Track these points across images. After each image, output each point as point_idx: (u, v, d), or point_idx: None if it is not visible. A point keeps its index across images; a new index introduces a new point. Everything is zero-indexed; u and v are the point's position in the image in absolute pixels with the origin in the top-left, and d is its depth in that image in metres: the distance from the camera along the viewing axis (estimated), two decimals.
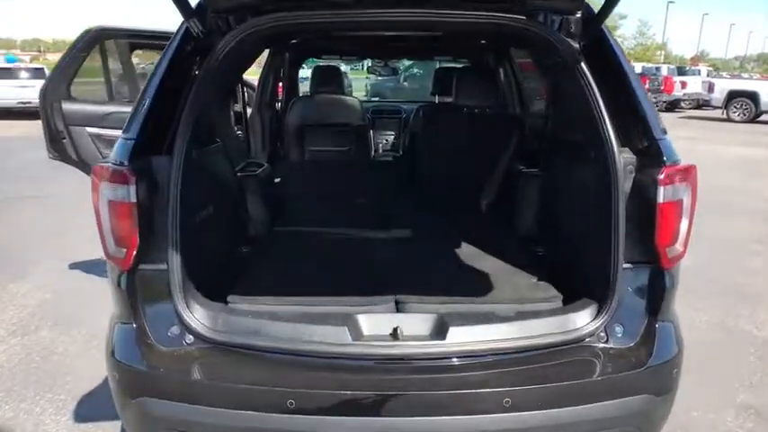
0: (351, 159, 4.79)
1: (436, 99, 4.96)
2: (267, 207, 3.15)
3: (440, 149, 3.62)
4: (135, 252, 2.01)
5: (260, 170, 3.21)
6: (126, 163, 1.98)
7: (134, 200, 1.97)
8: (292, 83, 5.46)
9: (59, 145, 4.29)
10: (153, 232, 2.05)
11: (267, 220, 3.15)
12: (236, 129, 4.76)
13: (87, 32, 4.03)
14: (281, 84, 5.11)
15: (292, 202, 3.67)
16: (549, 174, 2.97)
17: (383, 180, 4.08)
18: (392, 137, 5.87)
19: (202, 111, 2.25)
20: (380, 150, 5.66)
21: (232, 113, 4.87)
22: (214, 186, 2.56)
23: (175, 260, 2.04)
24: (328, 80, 4.66)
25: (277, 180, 3.97)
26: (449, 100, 5.16)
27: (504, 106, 4.64)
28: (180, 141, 2.07)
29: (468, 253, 2.84)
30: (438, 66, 5.38)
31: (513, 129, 3.52)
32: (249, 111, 4.70)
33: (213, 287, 2.27)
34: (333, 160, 4.61)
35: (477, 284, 2.43)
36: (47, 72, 9.09)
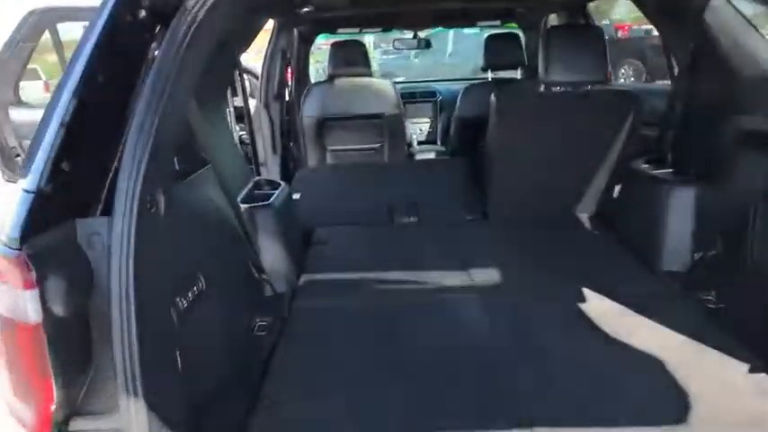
0: (385, 160, 3.77)
1: (489, 75, 3.90)
2: (289, 249, 2.16)
3: (519, 143, 2.60)
4: (52, 408, 1.04)
5: (274, 195, 2.21)
6: (18, 241, 1.00)
7: (38, 317, 0.99)
8: (304, 65, 4.42)
9: (14, 163, 3.33)
10: (88, 365, 1.09)
11: (290, 268, 2.17)
12: (238, 129, 3.78)
13: (30, 15, 3.01)
14: (289, 68, 4.08)
15: (321, 230, 2.68)
16: (724, 183, 1.95)
17: (436, 187, 3.08)
18: (426, 125, 4.82)
19: (172, 118, 1.26)
20: (415, 143, 4.62)
21: (230, 110, 3.88)
22: (202, 243, 1.57)
23: (135, 408, 1.08)
24: (351, 59, 3.63)
25: (296, 197, 2.97)
26: (506, 75, 4.14)
27: None
28: (128, 185, 1.09)
29: (606, 311, 1.87)
30: (486, 33, 4.29)
31: (627, 113, 2.49)
32: (253, 105, 3.70)
33: (216, 416, 1.32)
34: (363, 163, 3.60)
35: (657, 381, 1.47)
36: (40, 73, 7.95)
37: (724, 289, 1.92)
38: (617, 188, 2.67)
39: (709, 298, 1.97)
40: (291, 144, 3.88)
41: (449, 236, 2.59)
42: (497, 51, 3.73)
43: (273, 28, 3.54)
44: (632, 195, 2.44)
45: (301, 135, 3.78)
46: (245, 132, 3.41)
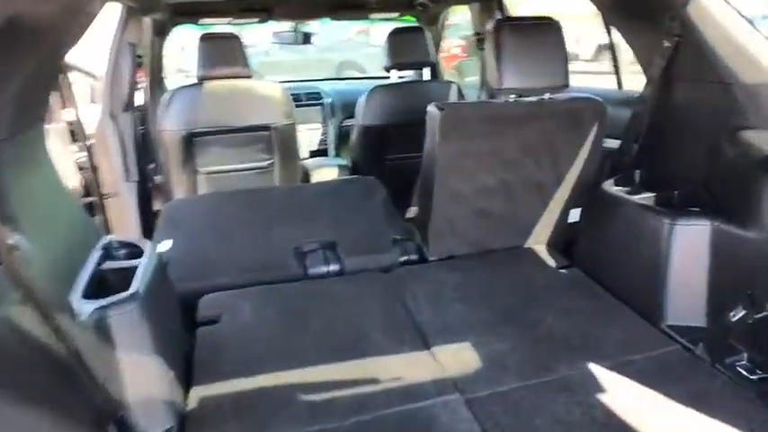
0: (276, 182, 3.03)
1: (393, 75, 3.30)
2: (168, 358, 1.38)
3: (467, 165, 2.06)
4: None
5: (137, 274, 1.42)
6: None
7: None
8: (158, 65, 3.51)
9: None
10: None
11: (172, 390, 1.39)
12: (76, 149, 2.83)
13: None
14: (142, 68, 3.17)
15: (208, 300, 1.91)
16: (742, 214, 1.53)
17: (353, 218, 2.42)
18: (317, 132, 4.12)
19: None
20: (306, 155, 3.90)
21: (63, 126, 2.91)
22: None
23: None
24: (226, 56, 2.83)
25: (164, 247, 2.17)
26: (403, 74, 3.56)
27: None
28: None
29: (627, 392, 1.44)
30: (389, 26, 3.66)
31: (592, 123, 2.04)
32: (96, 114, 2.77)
33: None
34: (250, 189, 2.83)
35: None
36: None
37: (762, 350, 1.51)
38: (576, 212, 2.23)
39: (742, 362, 1.56)
40: (151, 167, 3.00)
41: (387, 292, 1.96)
42: (403, 49, 3.15)
43: (122, 15, 2.64)
44: (610, 226, 1.99)
45: (164, 155, 2.91)
46: (85, 155, 2.51)
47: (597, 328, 1.73)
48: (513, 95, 1.97)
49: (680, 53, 1.80)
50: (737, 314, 1.51)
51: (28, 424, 0.88)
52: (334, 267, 2.15)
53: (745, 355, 1.55)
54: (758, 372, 1.50)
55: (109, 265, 1.48)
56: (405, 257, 2.21)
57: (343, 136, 4.02)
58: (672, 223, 1.68)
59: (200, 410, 1.40)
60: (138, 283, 1.36)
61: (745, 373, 1.51)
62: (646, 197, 1.93)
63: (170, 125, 2.85)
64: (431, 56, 3.24)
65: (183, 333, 1.67)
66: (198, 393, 1.46)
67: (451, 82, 3.31)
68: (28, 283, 0.89)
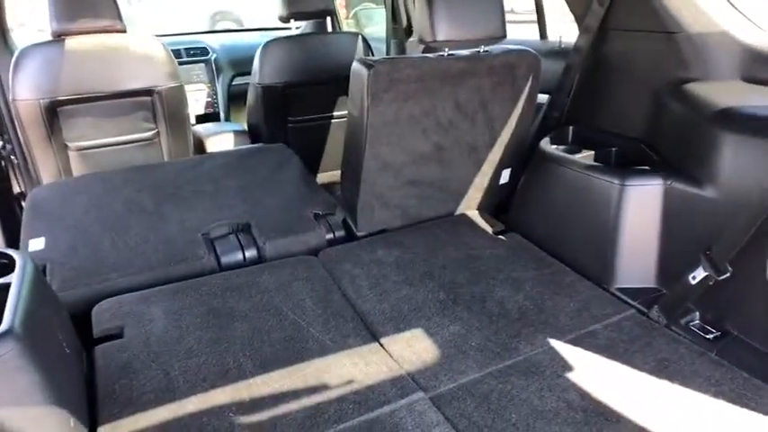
0: (164, 156, 2.62)
1: (294, 26, 2.95)
2: (65, 400, 1.07)
3: (399, 128, 1.84)
4: None
5: (10, 302, 1.07)
6: None
7: None
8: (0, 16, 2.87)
9: None
10: None
11: None
12: None
13: None
14: None
15: (104, 308, 1.57)
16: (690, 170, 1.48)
17: (265, 194, 2.13)
18: (203, 94, 3.66)
19: None
20: (193, 120, 3.45)
21: None
22: None
23: None
24: (92, 5, 2.33)
25: (36, 246, 1.77)
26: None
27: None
28: None
29: (597, 368, 1.36)
30: None
31: (527, 77, 1.90)
32: None
33: None
34: (135, 166, 2.41)
35: None
36: None
37: (715, 308, 1.49)
38: (507, 172, 2.13)
39: (695, 323, 1.54)
40: (5, 146, 2.46)
41: (319, 277, 1.73)
42: None
43: None
44: (550, 188, 1.89)
45: (20, 129, 2.39)
46: None
47: (549, 297, 1.64)
48: (446, 49, 1.77)
49: (619, 1, 1.70)
50: (698, 276, 1.47)
51: None
52: (251, 253, 1.88)
53: (697, 314, 1.54)
54: (712, 330, 1.49)
55: None
56: (330, 235, 1.99)
57: (233, 97, 3.62)
58: (622, 184, 1.61)
59: None
60: (12, 312, 1.02)
61: (700, 333, 1.50)
62: (586, 155, 1.85)
63: (25, 93, 2.32)
64: (332, 4, 2.93)
65: (79, 359, 1.34)
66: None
67: (356, 33, 3.04)
68: None
